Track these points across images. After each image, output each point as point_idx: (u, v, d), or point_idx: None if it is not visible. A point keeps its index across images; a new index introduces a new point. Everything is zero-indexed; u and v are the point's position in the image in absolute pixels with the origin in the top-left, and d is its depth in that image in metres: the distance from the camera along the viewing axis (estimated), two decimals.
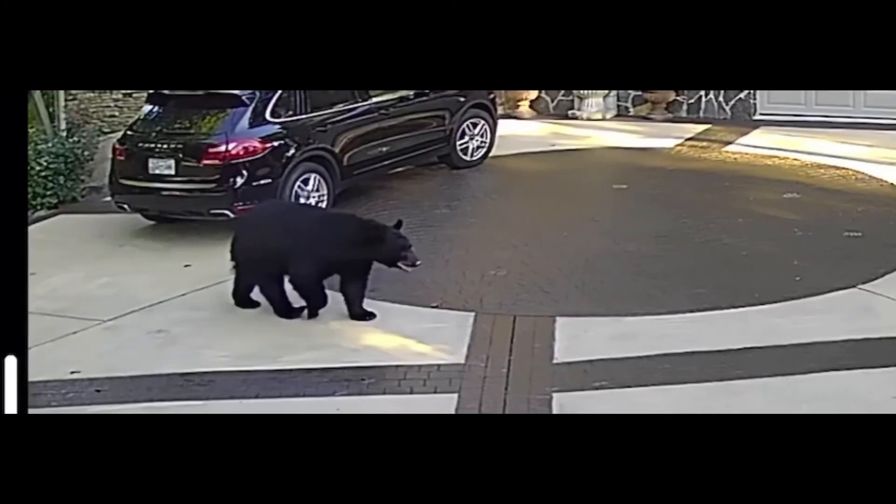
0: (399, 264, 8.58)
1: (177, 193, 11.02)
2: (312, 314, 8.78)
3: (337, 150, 11.54)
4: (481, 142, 13.52)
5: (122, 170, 11.33)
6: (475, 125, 13.43)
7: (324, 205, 11.33)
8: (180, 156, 10.92)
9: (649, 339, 8.07)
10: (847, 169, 12.55)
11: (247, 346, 8.41)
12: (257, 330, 8.75)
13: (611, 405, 7.07)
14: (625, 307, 8.77)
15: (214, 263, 10.37)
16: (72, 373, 8.11)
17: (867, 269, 9.29)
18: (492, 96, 13.74)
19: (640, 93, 16.01)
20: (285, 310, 8.84)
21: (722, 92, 15.60)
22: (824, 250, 9.93)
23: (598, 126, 15.52)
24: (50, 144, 12.89)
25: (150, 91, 11.69)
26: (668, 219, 11.00)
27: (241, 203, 10.77)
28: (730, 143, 14.18)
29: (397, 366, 7.91)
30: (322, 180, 11.34)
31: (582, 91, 15.91)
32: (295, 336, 8.56)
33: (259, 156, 10.86)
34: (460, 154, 13.30)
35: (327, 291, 9.52)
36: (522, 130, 15.30)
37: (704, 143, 14.21)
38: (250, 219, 9.52)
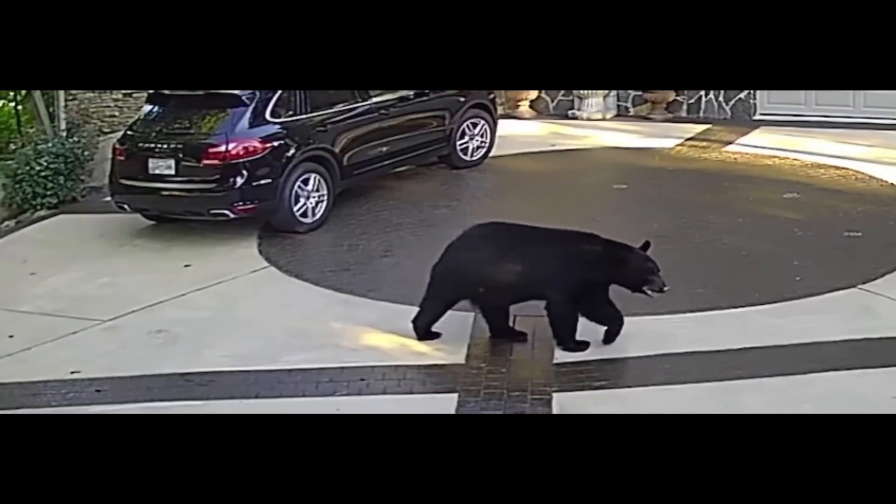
0: (645, 289, 7.82)
1: (177, 193, 11.02)
2: (579, 346, 7.92)
3: (337, 150, 11.55)
4: (481, 142, 13.53)
5: (122, 170, 11.34)
6: (475, 125, 13.43)
7: (323, 205, 11.34)
8: (180, 156, 10.93)
9: (649, 339, 8.06)
10: (847, 169, 12.55)
11: (247, 346, 8.41)
12: (257, 330, 8.75)
13: (611, 405, 7.07)
14: (625, 307, 8.75)
15: (214, 263, 10.40)
16: (72, 373, 8.12)
17: (867, 269, 9.28)
18: (492, 96, 13.74)
19: (640, 93, 16.01)
20: (511, 333, 8.18)
21: (722, 92, 15.60)
22: (824, 250, 9.93)
23: (598, 126, 15.52)
24: (50, 144, 12.91)
25: (150, 91, 11.70)
26: (668, 219, 10.99)
27: (241, 203, 10.78)
28: (730, 143, 14.17)
29: (397, 366, 7.91)
30: (322, 180, 11.35)
31: (582, 91, 15.91)
32: (295, 336, 8.56)
33: (259, 156, 10.86)
34: (460, 154, 13.31)
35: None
36: (522, 130, 15.30)
37: (704, 143, 14.21)
38: (471, 242, 8.12)
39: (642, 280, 7.78)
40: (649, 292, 7.83)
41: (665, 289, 7.81)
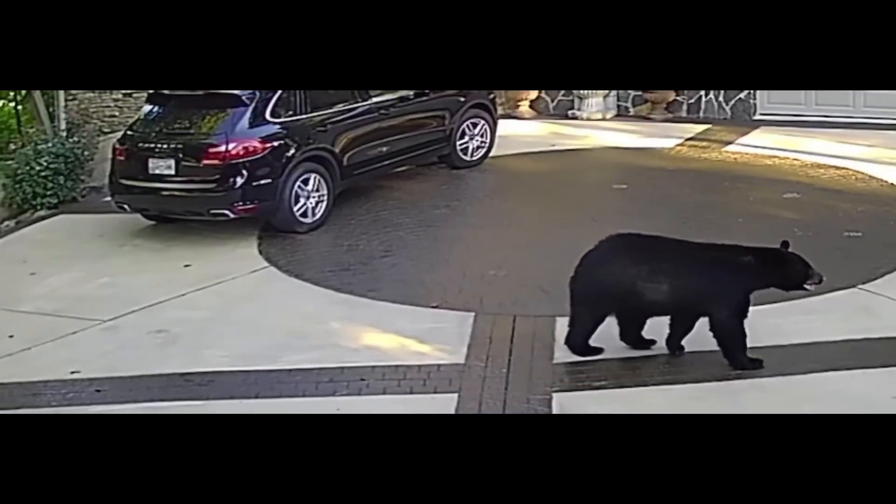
0: (806, 285, 7.63)
1: (177, 193, 11.03)
2: (753, 363, 7.57)
3: (337, 150, 11.55)
4: (481, 142, 13.53)
5: (122, 170, 11.35)
6: (475, 125, 13.43)
7: (323, 205, 11.34)
8: (180, 156, 10.93)
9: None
10: (847, 169, 12.55)
11: (247, 346, 8.41)
12: (257, 330, 8.75)
13: (611, 405, 7.07)
14: None
15: (214, 263, 10.40)
16: (72, 373, 8.12)
17: (867, 269, 9.28)
18: (492, 96, 13.75)
19: (640, 93, 16.01)
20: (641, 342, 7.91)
21: (722, 92, 15.59)
22: (824, 250, 9.91)
23: (598, 126, 15.52)
24: (50, 144, 12.91)
25: (150, 91, 11.70)
26: (668, 219, 10.98)
27: (241, 203, 10.78)
28: (730, 143, 14.17)
29: (397, 366, 7.91)
30: (322, 180, 11.35)
31: (582, 91, 15.91)
32: (295, 336, 8.56)
33: (259, 156, 10.86)
34: (460, 154, 13.31)
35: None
36: (522, 130, 15.30)
37: (704, 143, 14.21)
38: (614, 254, 7.79)
39: (804, 276, 7.59)
40: (810, 286, 7.65)
41: (823, 279, 7.65)
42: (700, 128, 15.05)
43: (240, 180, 10.76)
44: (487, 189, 12.79)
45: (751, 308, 8.49)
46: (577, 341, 7.87)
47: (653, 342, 7.88)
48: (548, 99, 16.56)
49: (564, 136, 14.99)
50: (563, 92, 16.36)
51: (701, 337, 8.04)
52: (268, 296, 9.61)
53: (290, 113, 11.20)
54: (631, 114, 16.16)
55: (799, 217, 10.87)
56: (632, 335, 7.92)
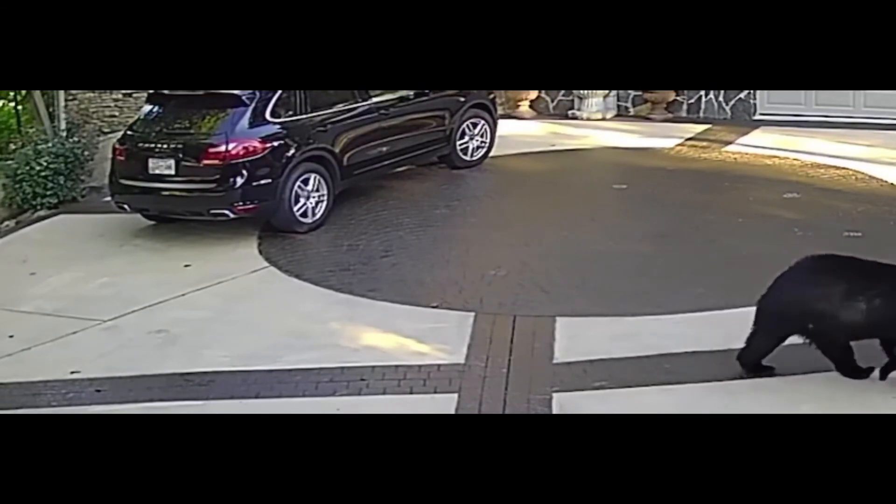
0: None
1: (177, 193, 11.03)
2: None
3: (337, 150, 11.55)
4: (481, 142, 13.52)
5: (122, 170, 11.35)
6: (475, 125, 13.43)
7: (323, 205, 11.34)
8: (180, 156, 10.93)
9: (649, 339, 8.06)
10: (847, 169, 12.55)
11: (247, 346, 8.41)
12: (257, 330, 8.75)
13: (611, 405, 7.07)
14: (625, 307, 8.77)
15: (214, 263, 10.40)
16: (72, 373, 8.12)
17: None
18: (492, 96, 13.74)
19: (640, 93, 16.00)
20: (855, 371, 7.37)
21: (722, 92, 15.59)
22: (824, 250, 9.90)
23: (598, 126, 15.51)
24: (50, 144, 12.92)
25: (150, 91, 11.71)
26: (668, 219, 11.00)
27: (241, 203, 10.78)
28: (730, 143, 14.17)
29: (397, 366, 7.91)
30: (322, 180, 11.35)
31: (582, 91, 15.91)
32: (295, 336, 8.56)
33: (259, 156, 10.86)
34: (460, 154, 13.30)
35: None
36: (522, 130, 15.30)
37: (704, 143, 14.20)
38: (805, 274, 7.52)
39: None
40: None
41: None
42: (700, 128, 15.04)
43: (240, 180, 10.76)
44: (487, 189, 12.79)
45: (751, 308, 8.53)
46: (751, 359, 7.49)
47: (871, 370, 7.34)
48: (548, 99, 16.55)
49: (564, 136, 14.99)
50: (563, 92, 16.35)
51: (701, 337, 8.06)
52: (268, 296, 9.62)
53: (290, 113, 11.20)
54: (631, 114, 16.15)
55: (799, 217, 10.87)
56: (840, 359, 7.35)
